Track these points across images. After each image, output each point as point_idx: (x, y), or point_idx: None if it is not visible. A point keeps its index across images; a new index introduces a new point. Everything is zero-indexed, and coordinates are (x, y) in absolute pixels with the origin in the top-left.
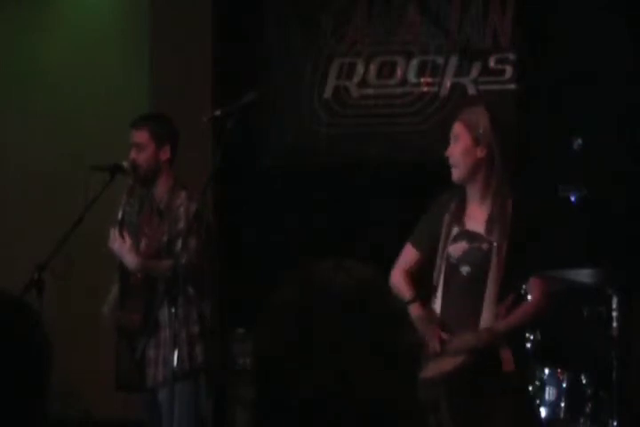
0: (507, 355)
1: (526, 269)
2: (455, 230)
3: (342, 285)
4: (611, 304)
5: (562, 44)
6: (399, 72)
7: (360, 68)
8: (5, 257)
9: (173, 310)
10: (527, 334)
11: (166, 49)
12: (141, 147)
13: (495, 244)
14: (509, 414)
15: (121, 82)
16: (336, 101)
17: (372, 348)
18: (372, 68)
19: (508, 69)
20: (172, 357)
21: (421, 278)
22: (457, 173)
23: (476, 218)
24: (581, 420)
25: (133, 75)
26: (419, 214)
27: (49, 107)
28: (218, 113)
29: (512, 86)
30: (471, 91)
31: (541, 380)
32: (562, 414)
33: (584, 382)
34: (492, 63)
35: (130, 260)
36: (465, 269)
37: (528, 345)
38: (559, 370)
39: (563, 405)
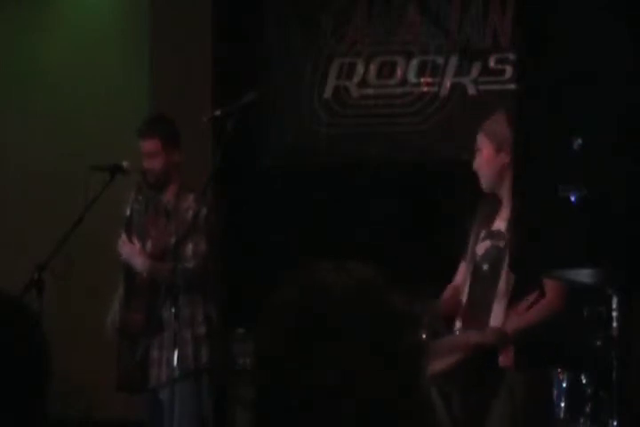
0: (505, 351)
1: (527, 268)
2: (483, 233)
3: (342, 285)
4: (611, 304)
5: (562, 44)
6: (399, 72)
7: (360, 68)
8: (5, 257)
9: (175, 311)
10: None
11: (166, 49)
12: (154, 155)
13: (508, 241)
14: (506, 412)
15: (121, 82)
16: (336, 101)
17: (372, 348)
18: (372, 68)
19: (508, 69)
20: (175, 357)
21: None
22: (485, 183)
23: (503, 217)
24: (581, 420)
25: (133, 75)
26: (418, 214)
27: (49, 107)
28: (218, 113)
29: (512, 86)
30: (471, 91)
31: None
32: (562, 414)
33: (584, 382)
34: (492, 63)
35: (139, 263)
36: (485, 267)
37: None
38: (559, 370)
39: (562, 405)
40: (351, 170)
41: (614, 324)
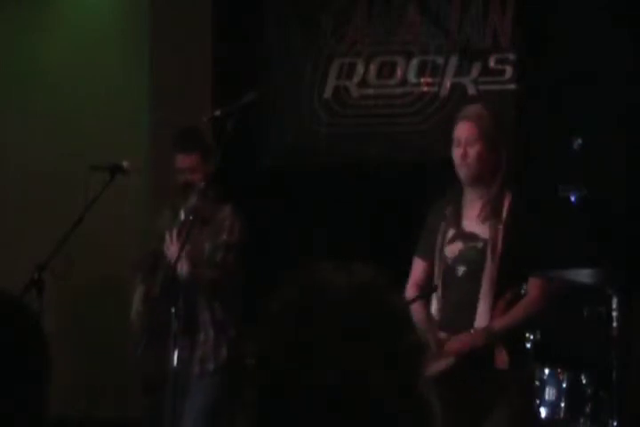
0: (500, 353)
1: (523, 267)
2: (451, 232)
3: (342, 285)
4: (611, 304)
5: (562, 44)
6: (399, 72)
7: (360, 69)
8: (5, 257)
9: (209, 314)
10: (527, 334)
11: (166, 49)
12: (194, 170)
13: (490, 242)
14: (502, 414)
15: (121, 82)
16: (336, 101)
17: (373, 348)
18: (372, 68)
19: (508, 69)
20: (209, 356)
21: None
22: (470, 177)
23: (473, 218)
24: (581, 420)
25: (133, 75)
26: (418, 218)
27: (49, 107)
28: (218, 113)
29: (512, 86)
30: (471, 91)
31: (541, 380)
32: (562, 415)
33: (584, 382)
34: (491, 63)
35: (181, 266)
36: (461, 269)
37: (528, 345)
38: (559, 370)
39: (563, 405)
40: (351, 170)
41: (614, 324)
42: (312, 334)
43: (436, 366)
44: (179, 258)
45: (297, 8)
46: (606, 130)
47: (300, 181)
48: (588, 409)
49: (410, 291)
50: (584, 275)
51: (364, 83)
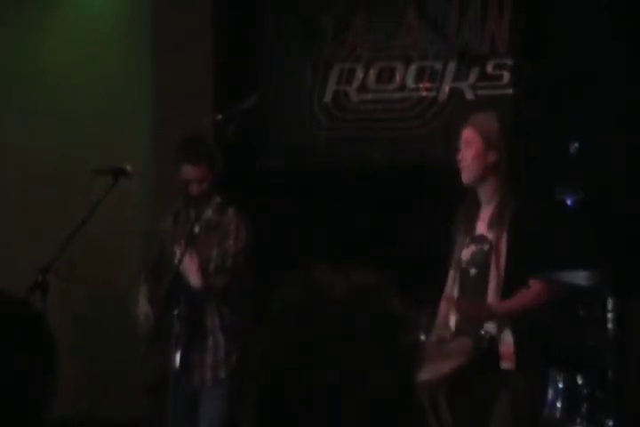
0: (507, 352)
1: (526, 269)
2: (468, 239)
3: (342, 286)
4: (606, 306)
5: (559, 46)
6: (398, 77)
7: (359, 74)
8: (5, 258)
9: (218, 319)
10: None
11: (167, 49)
12: (201, 180)
13: (495, 244)
14: (507, 413)
15: (121, 82)
16: (336, 106)
17: (372, 348)
18: (372, 73)
19: (506, 75)
20: (214, 361)
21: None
22: (468, 176)
23: (483, 219)
24: (578, 420)
25: (134, 75)
26: (416, 217)
27: (49, 107)
28: (219, 117)
29: (509, 91)
30: (469, 96)
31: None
32: (558, 415)
33: (580, 382)
34: (489, 69)
35: (194, 279)
36: (472, 271)
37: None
38: (556, 370)
39: (559, 405)
40: (351, 173)
41: (610, 325)
42: (312, 335)
43: (439, 369)
44: (191, 270)
45: (297, 11)
46: (606, 131)
47: (300, 184)
48: (584, 409)
49: (443, 307)
50: (580, 277)
51: (363, 88)
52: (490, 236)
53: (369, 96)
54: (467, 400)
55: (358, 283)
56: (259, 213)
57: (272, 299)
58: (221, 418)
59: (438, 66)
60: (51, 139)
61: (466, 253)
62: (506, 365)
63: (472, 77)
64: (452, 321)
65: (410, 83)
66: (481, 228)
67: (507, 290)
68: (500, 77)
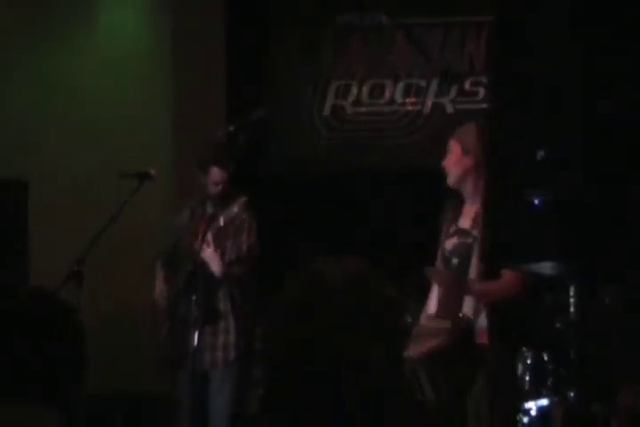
0: (481, 329)
1: (498, 262)
2: (452, 229)
3: (340, 282)
4: (569, 292)
5: (529, 62)
6: (387, 93)
7: (354, 90)
8: (46, 253)
9: (231, 303)
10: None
11: (185, 63)
12: (223, 183)
13: (478, 240)
14: (484, 386)
15: (147, 96)
16: (334, 118)
17: (371, 337)
18: (365, 89)
19: (481, 91)
20: (231, 345)
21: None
22: (450, 179)
23: (466, 216)
24: (544, 392)
25: (156, 89)
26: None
27: (85, 121)
28: (231, 128)
29: (484, 106)
30: (449, 110)
31: None
32: (527, 387)
33: (546, 359)
34: (467, 86)
35: (216, 268)
36: (455, 261)
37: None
38: (524, 349)
39: (527, 379)
40: (348, 177)
41: (572, 309)
42: (313, 330)
43: (421, 347)
44: (212, 259)
45: (299, 34)
46: (567, 139)
47: (300, 188)
48: (549, 383)
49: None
50: (547, 268)
51: (357, 102)
52: (474, 231)
53: (363, 109)
54: (446, 375)
55: (354, 278)
56: (262, 217)
57: (274, 297)
58: (230, 399)
59: (423, 83)
60: (86, 146)
61: (449, 244)
62: (479, 340)
63: (452, 93)
64: (433, 305)
65: (398, 98)
66: (465, 222)
67: (486, 279)
68: (476, 93)
